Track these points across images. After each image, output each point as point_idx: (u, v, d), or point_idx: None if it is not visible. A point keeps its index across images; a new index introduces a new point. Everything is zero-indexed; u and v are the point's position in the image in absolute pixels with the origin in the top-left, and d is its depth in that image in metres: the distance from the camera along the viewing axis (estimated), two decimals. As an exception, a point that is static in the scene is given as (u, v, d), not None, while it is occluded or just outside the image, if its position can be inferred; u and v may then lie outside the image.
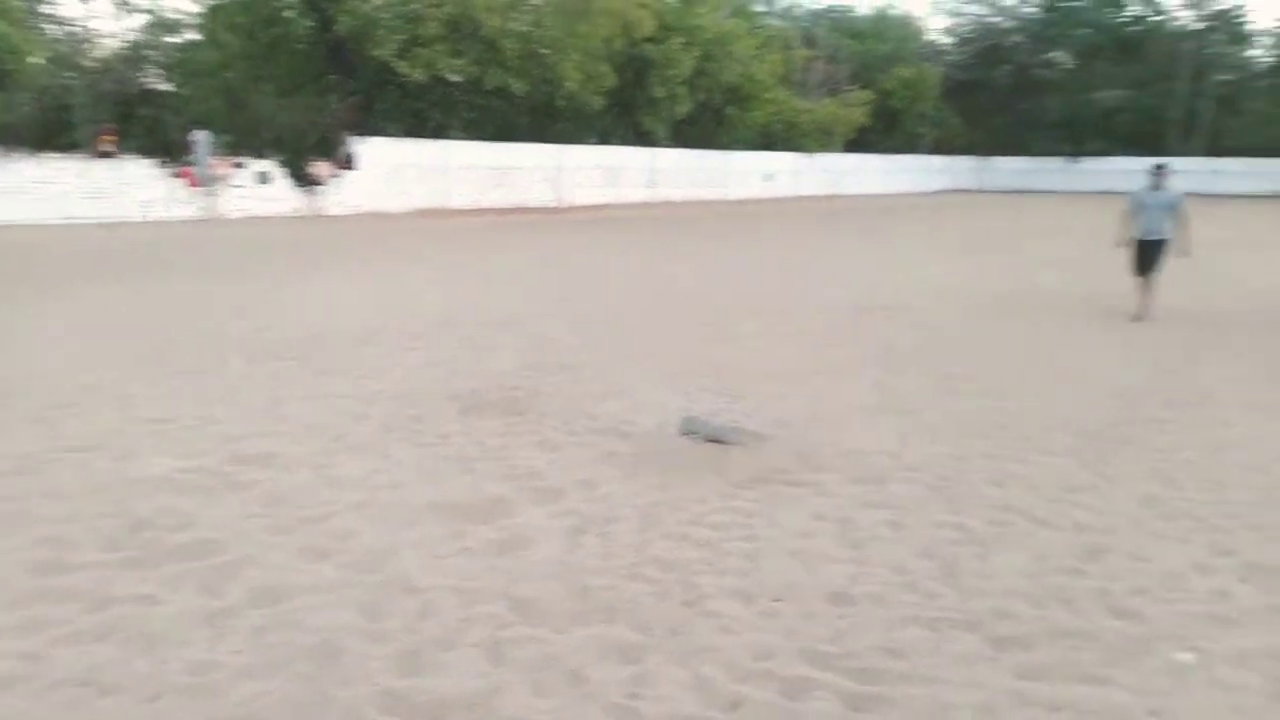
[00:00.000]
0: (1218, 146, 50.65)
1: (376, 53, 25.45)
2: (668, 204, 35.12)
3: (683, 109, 35.70)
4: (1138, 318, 10.18)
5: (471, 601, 3.56)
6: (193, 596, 3.57)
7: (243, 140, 30.36)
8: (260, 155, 26.43)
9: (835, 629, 3.41)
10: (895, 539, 4.25)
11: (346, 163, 26.12)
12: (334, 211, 25.64)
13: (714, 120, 40.34)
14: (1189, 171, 49.31)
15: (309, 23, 26.03)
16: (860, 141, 49.76)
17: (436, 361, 7.84)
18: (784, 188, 42.81)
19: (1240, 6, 53.16)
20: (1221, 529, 4.42)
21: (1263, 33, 54.09)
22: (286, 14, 26.44)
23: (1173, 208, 10.14)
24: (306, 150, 29.49)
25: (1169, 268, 10.45)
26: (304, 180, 26.42)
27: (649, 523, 4.38)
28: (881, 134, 52.80)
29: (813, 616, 3.51)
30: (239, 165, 25.17)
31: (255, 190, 24.15)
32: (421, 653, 3.19)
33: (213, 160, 24.59)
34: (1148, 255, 10.34)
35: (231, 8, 26.76)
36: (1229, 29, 52.59)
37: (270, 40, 26.66)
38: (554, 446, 5.53)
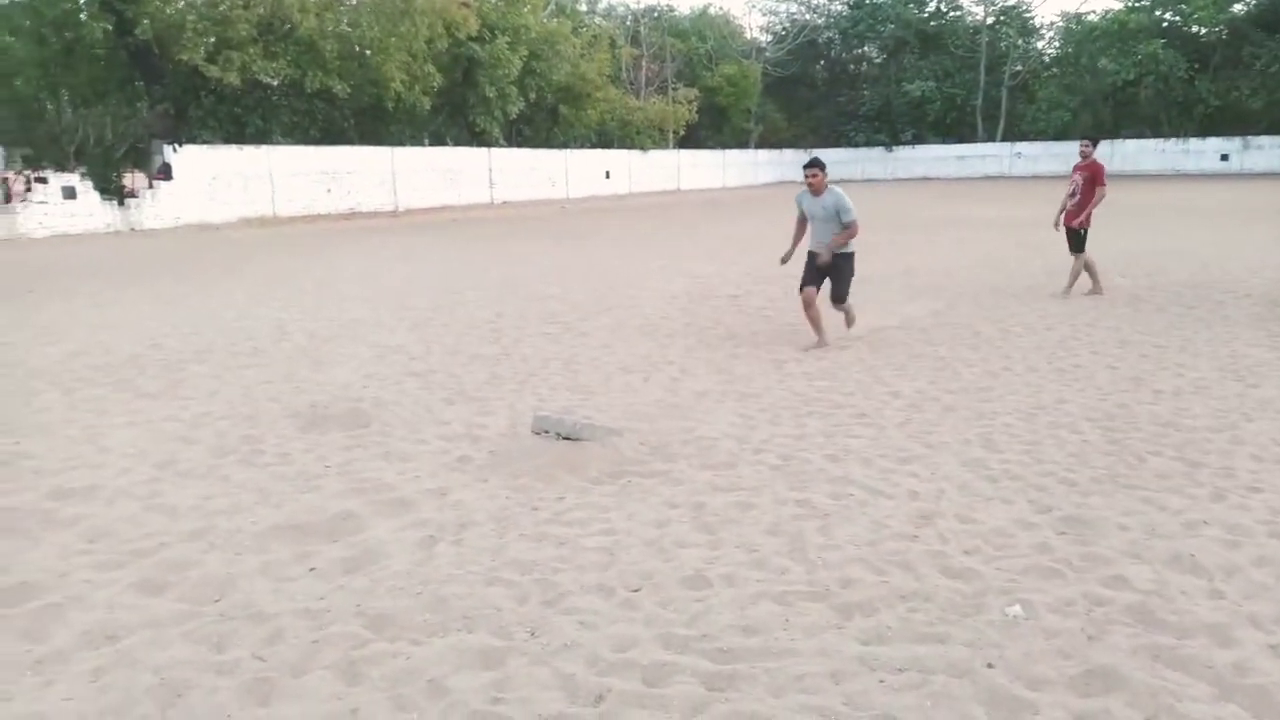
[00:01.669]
0: (1016, 132, 54.63)
1: (185, 57, 24.08)
2: (508, 204, 34.88)
3: (515, 108, 35.56)
4: (807, 347, 8.21)
5: (323, 623, 3.45)
6: (12, 645, 3.30)
7: (43, 153, 28.12)
8: (64, 169, 24.54)
9: (692, 613, 3.49)
10: (745, 520, 4.39)
11: (162, 173, 24.60)
12: (151, 225, 24.12)
13: (549, 119, 40.39)
14: (995, 156, 53.24)
15: (106, 26, 24.31)
16: (692, 138, 51.00)
17: (271, 377, 7.52)
18: (622, 185, 43.27)
19: (1026, 2, 57.41)
20: (1039, 486, 4.79)
21: (1047, 26, 58.72)
22: (80, 16, 24.60)
23: (836, 215, 7.95)
24: (116, 162, 27.60)
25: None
26: (115, 193, 24.73)
27: (505, 526, 4.36)
28: (711, 130, 54.26)
29: (670, 603, 3.59)
30: (41, 180, 23.25)
31: (61, 206, 22.36)
32: (273, 680, 3.07)
33: (3, 174, 22.62)
34: (821, 270, 8.14)
35: (12, 10, 24.69)
36: (1017, 22, 56.72)
37: (64, 45, 24.76)
38: (403, 456, 5.41)
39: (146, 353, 8.57)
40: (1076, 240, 10.79)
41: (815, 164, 8.10)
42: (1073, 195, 10.74)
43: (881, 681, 3.00)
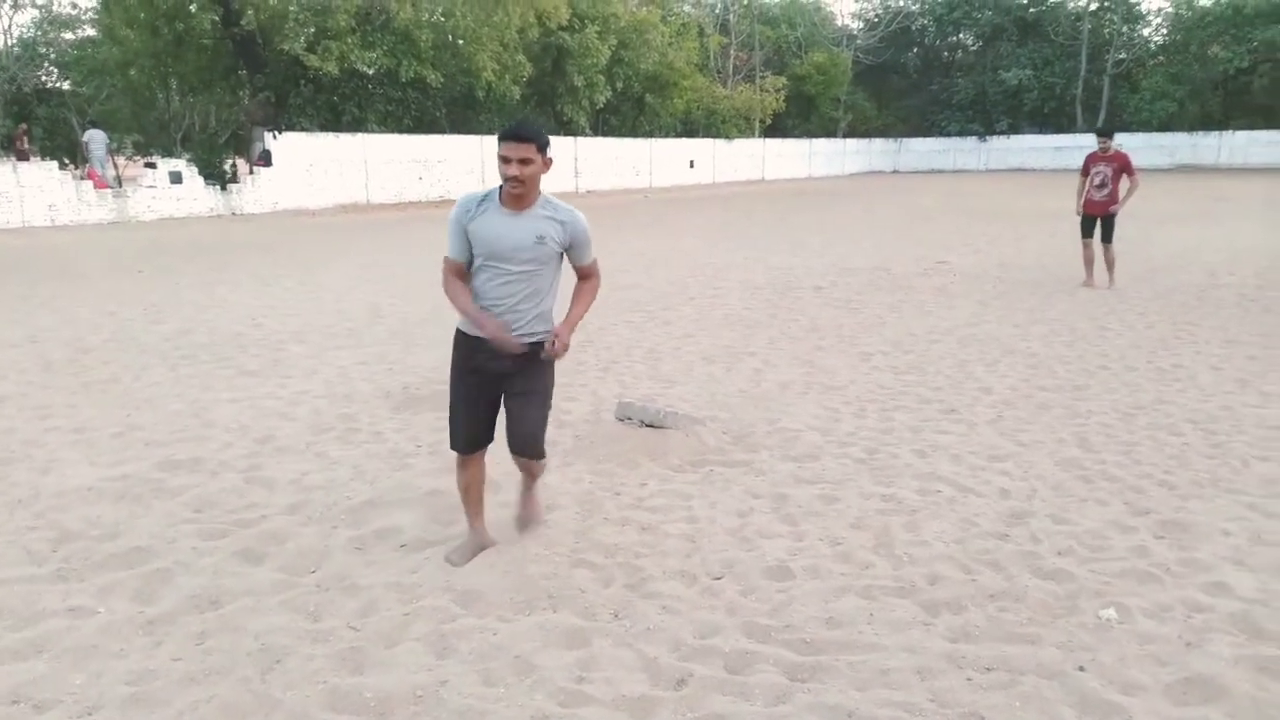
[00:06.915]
0: (1117, 122, 52.45)
1: (286, 46, 24.81)
2: (592, 193, 35.07)
3: (602, 97, 35.66)
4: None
5: (414, 597, 3.55)
6: (126, 606, 3.49)
7: (153, 140, 29.32)
8: (172, 154, 25.58)
9: (775, 603, 3.49)
10: (829, 512, 4.37)
11: (262, 160, 25.44)
12: (251, 210, 24.98)
13: (635, 108, 40.41)
14: (1094, 147, 51.24)
15: (214, 17, 25.23)
16: (778, 127, 50.43)
17: (366, 359, 7.74)
18: (706, 174, 43.10)
19: (1132, -13, 55.03)
20: (1136, 488, 4.64)
21: (1154, 12, 56.19)
22: (190, 8, 25.57)
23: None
24: (220, 148, 28.62)
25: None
26: (219, 179, 25.66)
27: (589, 509, 4.42)
28: (798, 119, 53.54)
29: (753, 592, 3.59)
30: (150, 165, 24.28)
31: (168, 191, 23.35)
32: (366, 650, 3.18)
33: (114, 160, 23.59)
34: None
35: (130, 3, 25.77)
36: (1122, 8, 54.43)
37: (175, 36, 25.75)
38: (489, 439, 5.51)
39: (248, 332, 8.90)
40: (1109, 229, 10.96)
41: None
42: (1101, 186, 10.85)
43: (969, 680, 2.96)
